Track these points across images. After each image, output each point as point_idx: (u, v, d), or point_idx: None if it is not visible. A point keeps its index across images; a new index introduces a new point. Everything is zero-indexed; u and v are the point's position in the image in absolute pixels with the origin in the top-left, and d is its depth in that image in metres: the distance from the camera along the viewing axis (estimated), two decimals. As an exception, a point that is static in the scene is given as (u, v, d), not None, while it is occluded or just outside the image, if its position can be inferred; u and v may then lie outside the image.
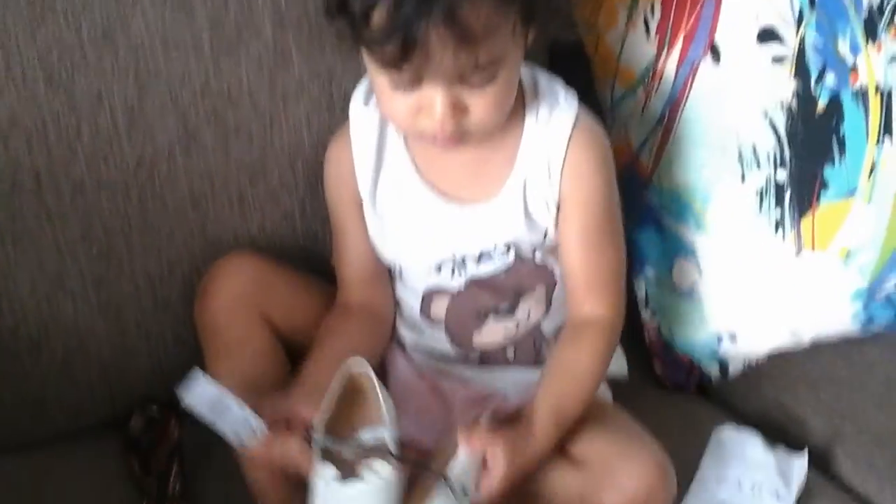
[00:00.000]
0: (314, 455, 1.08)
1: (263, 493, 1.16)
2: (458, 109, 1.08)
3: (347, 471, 1.07)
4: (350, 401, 1.13)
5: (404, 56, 1.02)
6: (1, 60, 1.16)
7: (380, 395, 1.12)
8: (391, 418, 1.11)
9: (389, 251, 1.25)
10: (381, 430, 1.10)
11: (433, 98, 1.07)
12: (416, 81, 1.06)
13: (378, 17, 1.03)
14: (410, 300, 1.27)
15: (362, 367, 1.13)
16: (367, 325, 1.25)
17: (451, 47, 1.01)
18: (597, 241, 1.20)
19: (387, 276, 1.28)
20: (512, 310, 1.25)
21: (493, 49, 1.04)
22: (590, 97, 1.24)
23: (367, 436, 1.10)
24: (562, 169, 1.17)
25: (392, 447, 1.08)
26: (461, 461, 1.09)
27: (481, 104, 1.08)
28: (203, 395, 1.08)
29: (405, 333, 1.29)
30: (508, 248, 1.21)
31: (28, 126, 1.18)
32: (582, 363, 1.19)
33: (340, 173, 1.24)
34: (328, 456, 1.08)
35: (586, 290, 1.20)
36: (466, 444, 1.09)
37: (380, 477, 1.06)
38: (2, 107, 1.17)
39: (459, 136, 1.11)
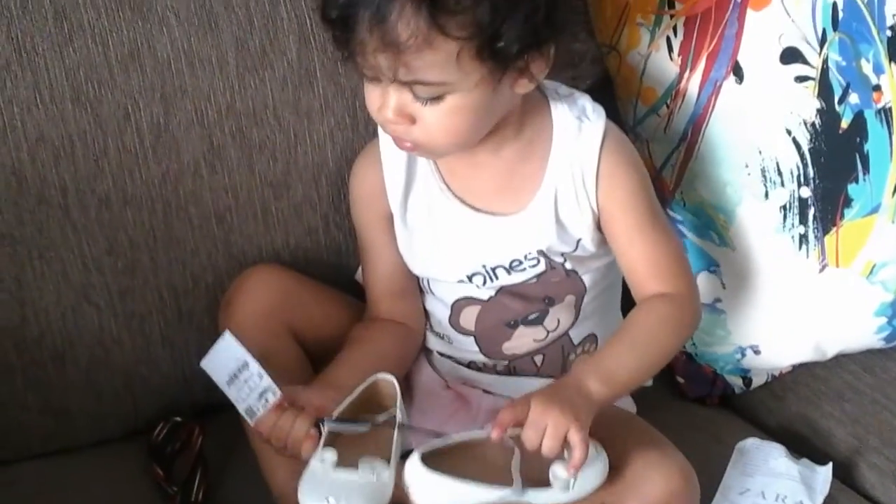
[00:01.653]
0: (321, 439, 1.09)
1: (268, 465, 1.19)
2: (404, 116, 1.09)
3: (346, 462, 1.07)
4: (367, 406, 1.14)
5: (343, 41, 1.06)
6: (29, 79, 1.18)
7: (398, 399, 1.12)
8: (404, 414, 1.11)
9: (419, 264, 1.25)
10: (393, 412, 1.11)
11: (387, 96, 1.09)
12: (374, 76, 1.08)
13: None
14: (440, 311, 1.27)
15: (388, 377, 1.13)
16: (395, 335, 1.26)
17: (374, 47, 1.04)
18: (647, 233, 1.20)
19: (416, 290, 1.28)
20: (541, 319, 1.25)
21: (421, 66, 1.04)
22: (611, 115, 1.23)
23: (379, 418, 1.12)
24: (596, 178, 1.17)
25: (403, 420, 1.09)
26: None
27: (426, 120, 1.09)
28: (227, 358, 1.08)
29: (433, 342, 1.30)
30: (539, 257, 1.21)
31: (55, 143, 1.20)
32: (645, 323, 1.18)
33: (369, 191, 1.24)
34: (332, 444, 1.09)
35: (651, 279, 1.20)
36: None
37: (374, 473, 1.06)
38: (30, 124, 1.19)
39: (411, 145, 1.13)
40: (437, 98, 1.08)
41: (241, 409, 1.09)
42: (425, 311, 1.29)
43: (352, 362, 1.20)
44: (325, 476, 1.07)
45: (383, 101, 1.09)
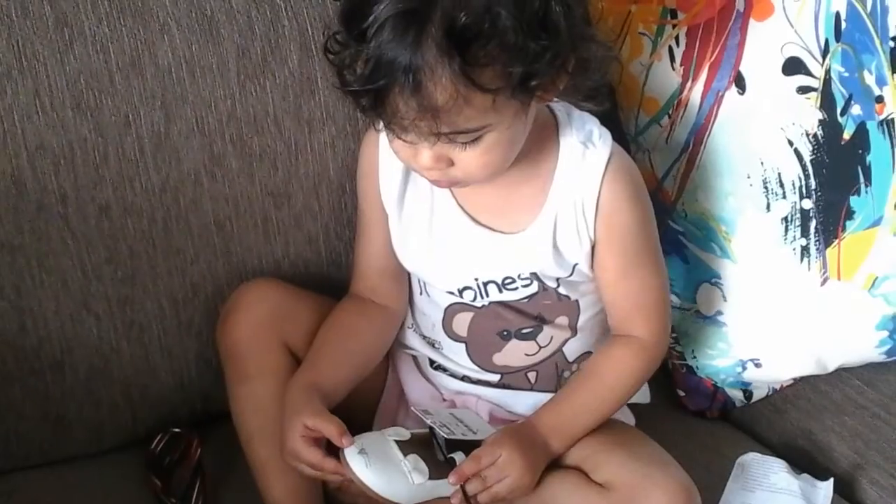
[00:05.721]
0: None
1: (264, 481, 1.22)
2: (443, 161, 1.09)
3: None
4: None
5: (375, 112, 1.05)
6: (30, 86, 1.18)
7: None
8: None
9: (410, 262, 1.25)
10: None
11: (420, 147, 1.08)
12: (402, 130, 1.07)
13: (355, 71, 1.04)
14: (434, 314, 1.27)
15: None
16: (377, 323, 1.27)
17: (414, 114, 1.02)
18: (635, 272, 1.20)
19: (404, 273, 1.28)
20: (534, 334, 1.25)
21: (461, 120, 1.04)
22: (612, 125, 1.23)
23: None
24: (596, 208, 1.17)
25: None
26: None
27: (465, 161, 1.09)
28: None
29: (425, 351, 1.30)
30: (532, 279, 1.21)
31: (55, 150, 1.20)
32: (607, 372, 1.21)
33: (370, 170, 1.24)
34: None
35: (628, 317, 1.22)
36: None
37: (412, 470, 1.13)
38: (30, 131, 1.18)
39: (450, 182, 1.13)
40: (476, 140, 1.07)
41: None
42: (418, 312, 1.29)
43: (336, 359, 1.22)
44: (380, 439, 1.14)
45: (416, 151, 1.09)
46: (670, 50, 1.30)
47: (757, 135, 1.29)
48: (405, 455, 1.13)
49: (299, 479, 1.18)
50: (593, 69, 1.11)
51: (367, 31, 1.01)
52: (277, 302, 1.25)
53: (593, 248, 1.19)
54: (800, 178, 1.29)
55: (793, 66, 1.26)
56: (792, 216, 1.30)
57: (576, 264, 1.20)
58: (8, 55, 1.17)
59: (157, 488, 1.24)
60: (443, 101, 1.01)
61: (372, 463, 1.11)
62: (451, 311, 1.25)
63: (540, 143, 1.17)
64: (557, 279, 1.21)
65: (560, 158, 1.18)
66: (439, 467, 1.13)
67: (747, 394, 1.45)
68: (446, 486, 1.13)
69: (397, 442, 1.14)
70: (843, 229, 1.30)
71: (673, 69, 1.30)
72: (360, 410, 1.26)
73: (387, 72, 1.00)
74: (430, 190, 1.21)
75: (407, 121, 1.03)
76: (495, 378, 1.27)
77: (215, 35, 1.22)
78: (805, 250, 1.31)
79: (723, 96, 1.29)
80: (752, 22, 1.27)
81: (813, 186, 1.29)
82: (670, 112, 1.31)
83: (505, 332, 1.25)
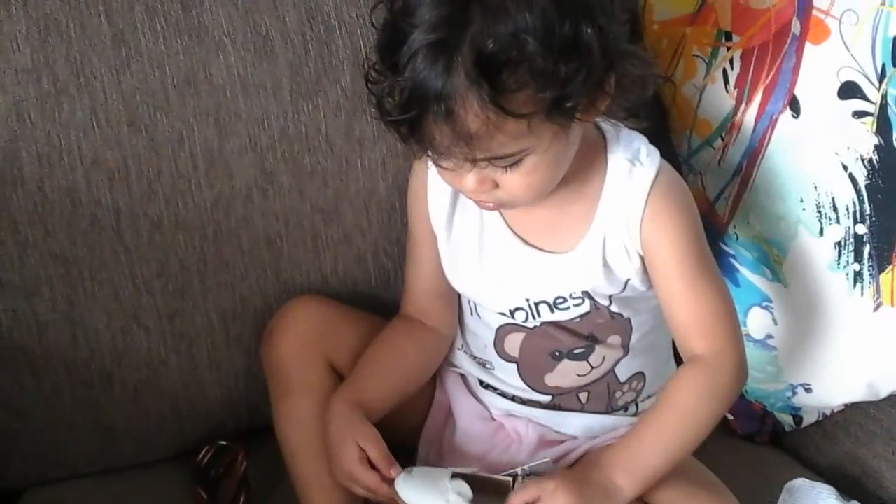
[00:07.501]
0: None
1: (306, 495, 1.22)
2: (487, 184, 1.10)
3: None
4: None
5: (413, 140, 1.06)
6: (87, 102, 1.19)
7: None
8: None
9: (460, 283, 1.25)
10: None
11: (464, 171, 1.09)
12: (440, 157, 1.08)
13: (390, 103, 1.06)
14: (485, 335, 1.27)
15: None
16: (423, 345, 1.27)
17: (449, 141, 1.03)
18: (689, 282, 1.18)
19: (454, 296, 1.29)
20: (586, 354, 1.24)
21: (495, 146, 1.05)
22: (665, 146, 1.23)
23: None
24: (641, 220, 1.16)
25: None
26: None
27: (509, 183, 1.10)
28: None
29: (475, 370, 1.30)
30: (584, 297, 1.20)
31: (110, 166, 1.21)
32: (671, 398, 1.17)
33: (420, 191, 1.25)
34: None
35: (690, 332, 1.18)
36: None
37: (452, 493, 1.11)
38: (86, 147, 1.20)
39: (497, 204, 1.14)
40: (516, 163, 1.08)
41: None
42: (469, 333, 1.29)
43: (380, 378, 1.23)
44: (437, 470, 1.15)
45: (460, 175, 1.10)
46: (724, 72, 1.30)
47: (811, 159, 1.27)
48: (453, 479, 1.12)
49: (342, 495, 1.19)
50: (634, 87, 1.10)
51: (401, 62, 1.02)
52: (322, 319, 1.26)
53: (644, 263, 1.18)
54: (854, 203, 1.27)
55: (849, 90, 1.25)
56: (845, 241, 1.29)
57: (628, 280, 1.19)
58: (66, 71, 1.18)
59: (203, 500, 1.25)
60: (475, 128, 1.02)
61: (416, 485, 1.11)
62: (502, 332, 1.25)
63: (588, 162, 1.17)
64: (610, 296, 1.21)
65: (608, 177, 1.17)
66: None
67: (797, 419, 1.43)
68: None
69: (458, 474, 1.13)
70: (898, 255, 1.29)
71: (727, 91, 1.30)
72: (404, 430, 1.26)
73: (420, 101, 1.02)
74: (479, 211, 1.21)
75: (443, 148, 1.05)
76: (546, 399, 1.27)
77: (269, 53, 1.23)
78: (858, 276, 1.30)
79: (777, 119, 1.27)
80: (807, 45, 1.25)
81: (867, 211, 1.27)
82: (723, 135, 1.31)
83: (557, 353, 1.24)
